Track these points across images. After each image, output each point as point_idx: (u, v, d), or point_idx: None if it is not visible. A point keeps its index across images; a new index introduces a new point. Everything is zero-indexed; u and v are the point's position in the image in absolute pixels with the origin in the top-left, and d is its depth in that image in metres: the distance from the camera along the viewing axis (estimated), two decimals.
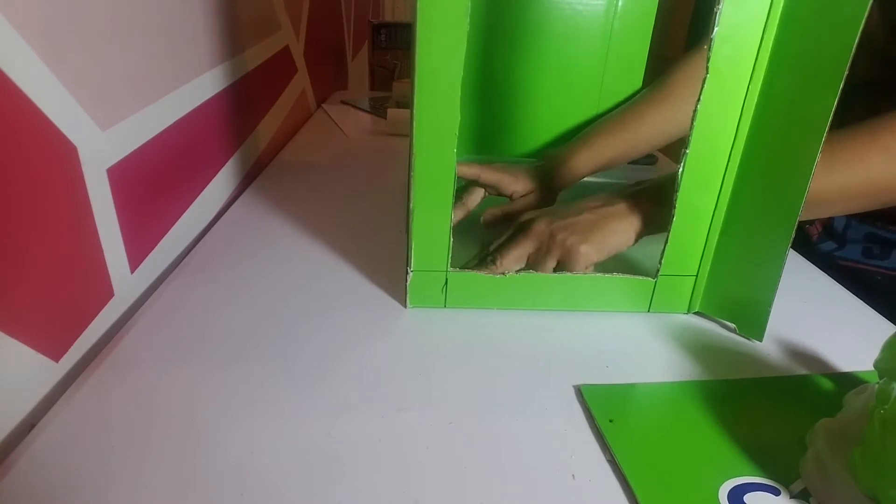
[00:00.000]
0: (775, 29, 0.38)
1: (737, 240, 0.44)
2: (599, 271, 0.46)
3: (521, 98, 0.73)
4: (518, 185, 0.59)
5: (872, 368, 0.31)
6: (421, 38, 0.37)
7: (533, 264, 0.47)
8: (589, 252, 0.46)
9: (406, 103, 0.47)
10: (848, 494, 0.29)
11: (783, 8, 0.38)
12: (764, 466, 0.33)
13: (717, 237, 0.45)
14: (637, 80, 0.74)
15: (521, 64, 0.71)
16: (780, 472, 0.32)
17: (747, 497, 0.31)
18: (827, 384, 0.40)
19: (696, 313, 0.48)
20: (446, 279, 0.45)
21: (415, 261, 0.44)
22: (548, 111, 0.74)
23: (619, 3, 0.69)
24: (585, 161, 0.62)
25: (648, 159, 0.82)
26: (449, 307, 0.46)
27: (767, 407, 0.38)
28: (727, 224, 0.44)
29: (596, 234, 0.47)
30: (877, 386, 0.30)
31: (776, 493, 0.31)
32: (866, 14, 0.34)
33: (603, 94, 0.74)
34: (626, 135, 0.64)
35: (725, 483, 0.31)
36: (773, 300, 0.42)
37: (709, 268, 0.46)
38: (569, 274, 0.46)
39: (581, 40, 0.70)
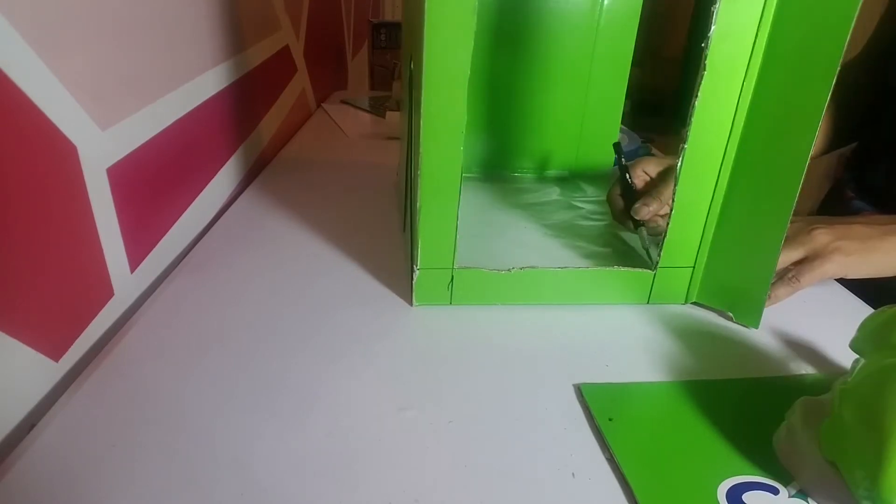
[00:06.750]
0: (769, 27, 0.39)
1: (733, 231, 0.45)
2: (600, 265, 0.47)
3: (507, 96, 0.72)
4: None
5: None
6: (429, 37, 0.37)
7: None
8: (846, 264, 0.46)
9: None
10: (813, 462, 0.31)
11: (777, 6, 0.39)
12: (762, 465, 0.33)
13: (713, 229, 0.46)
14: (623, 79, 0.73)
15: (506, 61, 0.70)
16: (779, 470, 0.32)
17: (746, 496, 0.31)
18: (827, 383, 0.40)
19: (694, 303, 0.49)
20: (452, 276, 0.45)
21: (421, 259, 0.44)
22: (533, 110, 0.73)
23: (605, 1, 0.69)
24: None
25: (645, 147, 0.82)
26: (454, 304, 0.46)
27: (766, 406, 0.37)
28: (723, 216, 0.45)
29: (864, 251, 0.47)
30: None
31: (775, 492, 0.31)
32: (857, 12, 0.35)
33: (590, 92, 0.73)
34: None
35: (724, 482, 0.31)
36: (768, 288, 0.44)
37: (706, 259, 0.47)
38: (571, 268, 0.47)
39: (566, 37, 0.69)
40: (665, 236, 0.46)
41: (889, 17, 0.70)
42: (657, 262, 0.47)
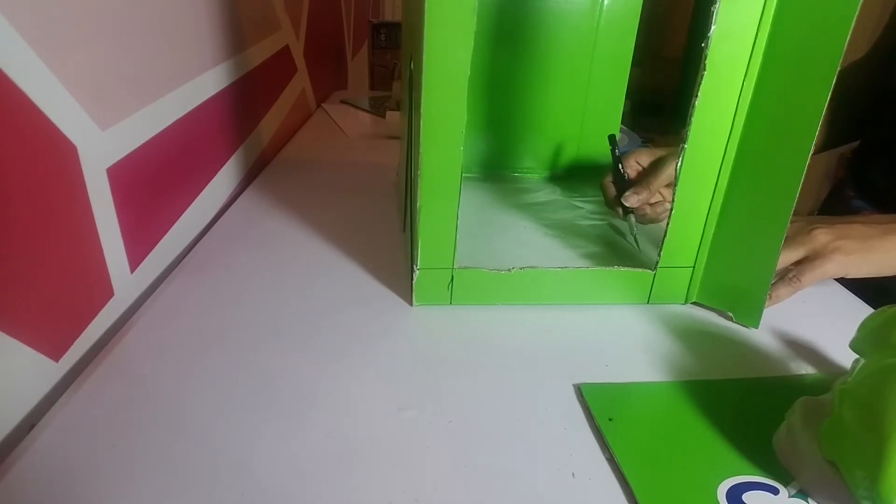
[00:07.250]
0: (769, 27, 0.39)
1: (733, 231, 0.45)
2: (600, 265, 0.47)
3: (507, 96, 0.72)
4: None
5: None
6: (429, 37, 0.37)
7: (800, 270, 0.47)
8: (847, 263, 0.46)
9: None
10: (813, 462, 0.31)
11: (777, 6, 0.39)
12: (762, 465, 0.33)
13: (713, 229, 0.46)
14: (623, 79, 0.73)
15: (506, 61, 0.70)
16: (779, 470, 0.32)
17: (746, 496, 0.31)
18: (827, 383, 0.40)
19: (694, 303, 0.49)
20: (452, 276, 0.45)
21: (422, 259, 0.44)
22: (533, 110, 0.73)
23: (605, 1, 0.68)
24: None
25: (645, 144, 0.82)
26: (454, 304, 0.46)
27: (766, 406, 0.38)
28: (723, 216, 0.45)
29: (864, 250, 0.47)
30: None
31: (775, 492, 0.31)
32: (857, 12, 0.35)
33: (590, 92, 0.73)
34: None
35: (724, 482, 0.31)
36: (768, 288, 0.44)
37: (706, 259, 0.47)
38: (571, 268, 0.47)
39: (566, 37, 0.69)
40: (665, 236, 0.46)
41: (893, 23, 0.70)
42: (657, 262, 0.47)
